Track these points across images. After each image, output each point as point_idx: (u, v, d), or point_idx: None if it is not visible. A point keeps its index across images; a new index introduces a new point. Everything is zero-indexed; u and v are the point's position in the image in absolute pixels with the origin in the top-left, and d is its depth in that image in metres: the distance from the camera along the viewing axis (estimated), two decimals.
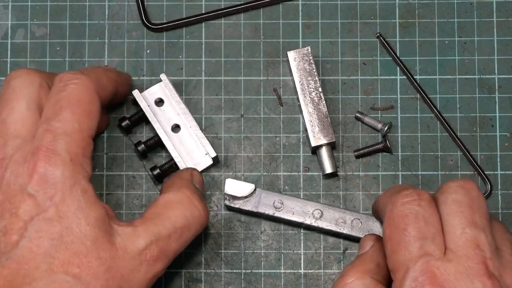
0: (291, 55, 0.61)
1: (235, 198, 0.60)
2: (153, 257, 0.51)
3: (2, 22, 0.64)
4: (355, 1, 0.64)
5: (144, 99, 0.60)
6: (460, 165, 0.62)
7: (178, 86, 0.63)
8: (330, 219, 0.59)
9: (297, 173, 0.62)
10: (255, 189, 0.60)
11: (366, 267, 0.53)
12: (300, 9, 0.64)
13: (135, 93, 0.60)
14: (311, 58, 0.61)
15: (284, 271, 0.61)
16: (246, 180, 0.62)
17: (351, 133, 0.63)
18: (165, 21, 0.64)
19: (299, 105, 0.61)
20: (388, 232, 0.50)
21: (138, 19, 0.64)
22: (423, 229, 0.49)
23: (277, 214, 0.60)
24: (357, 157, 0.62)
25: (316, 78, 0.61)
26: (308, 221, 0.59)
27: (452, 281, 0.47)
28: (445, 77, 0.63)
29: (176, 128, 0.61)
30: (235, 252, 0.61)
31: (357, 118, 0.63)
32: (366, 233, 0.59)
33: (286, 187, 0.62)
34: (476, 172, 0.62)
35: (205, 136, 0.60)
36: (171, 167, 0.60)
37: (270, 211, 0.60)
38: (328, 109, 0.62)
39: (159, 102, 0.61)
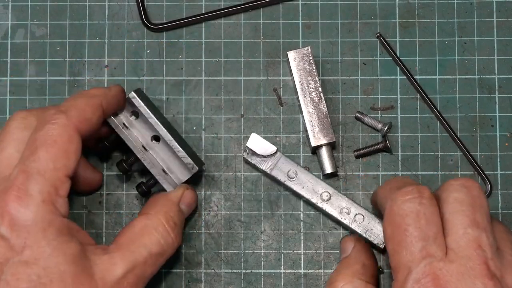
0: (291, 55, 0.61)
1: (254, 154, 0.60)
2: (130, 283, 0.51)
3: (2, 22, 0.64)
4: (355, 1, 0.64)
5: (118, 123, 0.58)
6: (460, 165, 0.62)
7: (178, 86, 0.63)
8: (336, 205, 0.60)
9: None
10: (276, 152, 0.60)
11: (352, 270, 0.54)
12: (300, 9, 0.64)
13: (110, 120, 0.58)
14: (311, 58, 0.61)
15: (284, 271, 0.61)
16: (246, 180, 0.62)
17: (351, 133, 0.63)
18: (165, 21, 0.64)
19: (299, 105, 0.61)
20: (389, 232, 0.50)
21: (138, 19, 0.64)
22: (424, 229, 0.49)
23: (288, 183, 0.60)
24: (357, 157, 0.62)
25: (316, 78, 0.61)
26: (314, 199, 0.60)
27: (454, 282, 0.47)
28: (445, 77, 0.63)
29: (156, 139, 0.59)
30: (235, 252, 0.61)
31: (357, 118, 0.63)
32: (365, 231, 0.59)
33: None
34: (476, 172, 0.62)
35: (205, 136, 0.61)
36: (154, 183, 0.59)
37: (282, 178, 0.60)
38: (328, 109, 0.62)
39: (134, 113, 0.59)
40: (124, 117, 0.59)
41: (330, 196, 0.60)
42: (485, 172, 0.62)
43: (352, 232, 0.60)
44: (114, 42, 0.64)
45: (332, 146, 0.61)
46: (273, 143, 0.62)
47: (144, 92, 0.62)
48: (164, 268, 0.61)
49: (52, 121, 0.51)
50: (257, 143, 0.61)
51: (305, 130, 0.61)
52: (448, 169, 0.62)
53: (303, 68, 0.61)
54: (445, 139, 0.62)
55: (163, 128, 0.58)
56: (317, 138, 0.60)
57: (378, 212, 0.58)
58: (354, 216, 0.59)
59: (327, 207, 0.60)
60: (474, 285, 0.47)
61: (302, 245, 0.61)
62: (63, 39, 0.64)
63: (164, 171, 0.58)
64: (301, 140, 0.63)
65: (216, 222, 0.62)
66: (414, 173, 0.62)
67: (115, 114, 0.58)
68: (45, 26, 0.64)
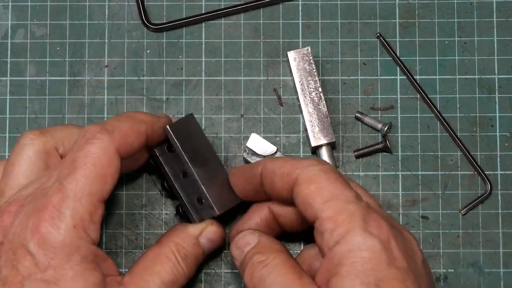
0: (291, 55, 0.61)
1: (254, 153, 0.60)
2: None
3: (2, 22, 0.64)
4: (355, 1, 0.64)
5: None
6: (460, 165, 0.62)
7: (178, 86, 0.63)
8: None
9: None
10: (275, 152, 0.60)
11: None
12: (300, 9, 0.64)
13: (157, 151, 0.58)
14: (311, 58, 0.61)
15: None
16: None
17: (351, 133, 0.63)
18: (165, 21, 0.64)
19: (299, 105, 0.61)
20: (314, 187, 0.50)
21: (138, 19, 0.64)
22: (347, 182, 0.51)
23: None
24: (357, 157, 0.62)
25: (316, 78, 0.61)
26: None
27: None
28: (445, 77, 0.63)
29: (185, 175, 0.58)
30: None
31: (357, 118, 0.63)
32: None
33: None
34: (476, 172, 0.62)
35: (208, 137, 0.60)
36: (186, 210, 0.58)
37: None
38: (328, 109, 0.62)
39: (170, 147, 0.58)
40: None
41: None
42: (485, 172, 0.62)
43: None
44: (114, 42, 0.64)
45: (332, 146, 0.61)
46: (273, 143, 0.62)
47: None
48: None
49: (94, 140, 0.51)
50: (257, 143, 0.61)
51: (305, 130, 0.61)
52: (448, 169, 0.62)
53: (303, 68, 0.61)
54: (445, 139, 0.62)
55: (192, 167, 0.56)
56: (317, 138, 0.60)
57: (253, 187, 0.56)
58: None
59: None
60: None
61: (302, 245, 0.61)
62: (63, 39, 0.64)
63: (195, 201, 0.58)
64: (301, 140, 0.63)
65: None
66: (414, 173, 0.62)
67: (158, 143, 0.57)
68: (45, 26, 0.64)
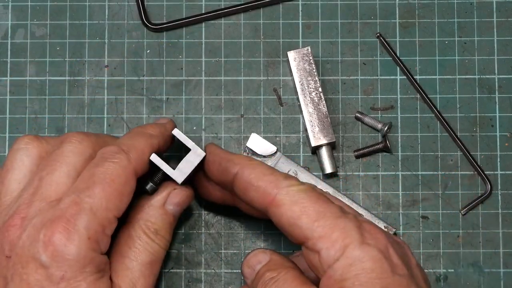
0: (291, 55, 0.61)
1: (254, 154, 0.60)
2: None
3: (2, 22, 0.64)
4: (355, 1, 0.64)
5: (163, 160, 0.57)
6: (460, 165, 0.62)
7: (178, 86, 0.63)
8: None
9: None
10: (276, 152, 0.60)
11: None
12: (300, 9, 0.64)
13: (153, 157, 0.56)
14: (311, 58, 0.61)
15: None
16: None
17: (351, 133, 0.63)
18: (165, 21, 0.64)
19: (299, 105, 0.61)
20: (298, 209, 0.50)
21: (138, 19, 0.64)
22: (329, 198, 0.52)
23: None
24: (357, 157, 0.62)
25: (316, 78, 0.61)
26: None
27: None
28: (445, 77, 0.63)
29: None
30: (235, 252, 0.61)
31: (357, 118, 0.63)
32: None
33: None
34: (476, 172, 0.62)
35: (205, 136, 0.60)
36: (163, 179, 0.56)
37: None
38: (328, 109, 0.62)
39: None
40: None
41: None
42: (485, 172, 0.62)
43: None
44: (114, 42, 0.64)
45: (332, 146, 0.61)
46: (273, 143, 0.62)
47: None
48: (164, 268, 0.61)
49: (114, 160, 0.51)
50: (257, 143, 0.61)
51: (305, 130, 0.61)
52: (448, 169, 0.62)
53: (303, 68, 0.61)
54: (445, 139, 0.62)
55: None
56: (317, 138, 0.60)
57: (218, 177, 0.55)
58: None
59: None
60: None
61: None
62: (63, 39, 0.64)
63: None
64: (301, 140, 0.63)
65: (216, 222, 0.62)
66: (414, 173, 0.62)
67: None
68: (45, 26, 0.64)
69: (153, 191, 0.56)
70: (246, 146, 0.61)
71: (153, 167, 0.55)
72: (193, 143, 0.55)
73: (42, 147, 0.53)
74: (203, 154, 0.55)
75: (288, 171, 0.60)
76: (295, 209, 0.49)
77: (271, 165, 0.60)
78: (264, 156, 0.61)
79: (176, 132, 0.56)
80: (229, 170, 0.53)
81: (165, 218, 0.55)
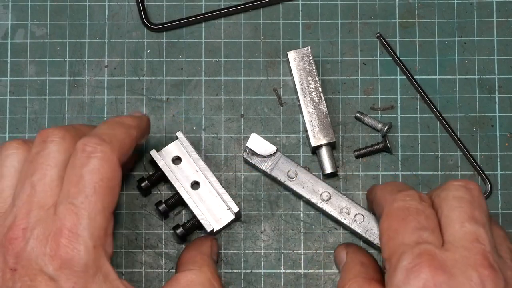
0: (291, 55, 0.61)
1: (254, 154, 0.60)
2: None
3: (2, 22, 0.64)
4: (355, 1, 0.64)
5: (162, 157, 0.60)
6: (460, 165, 0.62)
7: (178, 86, 0.63)
8: (336, 205, 0.60)
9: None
10: (276, 152, 0.60)
11: (353, 272, 0.54)
12: (300, 9, 0.64)
13: (153, 153, 0.59)
14: (311, 58, 0.61)
15: (284, 271, 0.61)
16: (246, 180, 0.62)
17: (351, 133, 0.63)
18: (165, 21, 0.64)
19: (299, 105, 0.61)
20: (387, 224, 0.50)
21: (138, 19, 0.64)
22: (423, 222, 0.49)
23: (288, 183, 0.60)
24: (357, 157, 0.62)
25: (316, 78, 0.61)
26: (314, 199, 0.60)
27: (448, 266, 0.46)
28: (445, 77, 0.63)
29: (195, 185, 0.60)
30: (235, 252, 0.61)
31: (357, 118, 0.63)
32: (365, 231, 0.59)
33: None
34: (476, 172, 0.62)
35: (205, 136, 0.60)
36: (193, 225, 0.59)
37: (282, 178, 0.60)
38: (328, 109, 0.62)
39: (176, 160, 0.60)
40: (165, 161, 0.60)
41: (330, 196, 0.60)
42: (485, 172, 0.62)
43: (352, 232, 0.60)
44: (114, 42, 0.64)
45: (332, 146, 0.61)
46: (273, 143, 0.62)
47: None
48: (164, 268, 0.61)
49: (97, 154, 0.50)
50: (257, 143, 0.61)
51: (305, 130, 0.61)
52: (448, 169, 0.62)
53: (303, 68, 0.61)
54: (445, 139, 0.62)
55: (209, 170, 0.59)
56: (317, 138, 0.60)
57: (371, 210, 0.58)
58: (354, 216, 0.59)
59: (327, 207, 0.60)
60: (468, 272, 0.46)
61: (302, 245, 0.61)
62: (63, 39, 0.64)
63: (205, 214, 0.59)
64: (301, 140, 0.63)
65: None
66: (414, 173, 0.62)
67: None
68: (45, 26, 0.64)
69: (147, 189, 0.59)
70: (246, 146, 0.61)
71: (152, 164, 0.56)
72: (229, 197, 0.59)
73: (30, 151, 0.52)
74: (237, 209, 0.59)
75: (288, 171, 0.60)
76: (384, 225, 0.50)
77: (270, 165, 0.60)
78: (264, 156, 0.61)
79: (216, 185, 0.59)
80: (369, 197, 0.57)
81: (215, 266, 0.57)
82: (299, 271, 0.61)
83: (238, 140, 0.63)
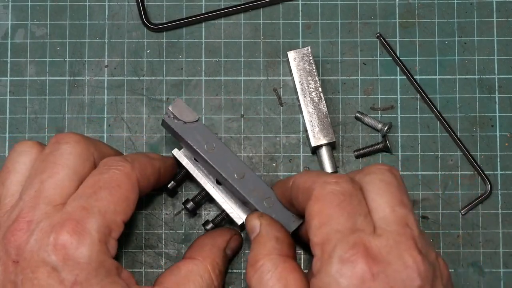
0: (291, 55, 0.61)
1: (175, 118, 0.58)
2: None
3: (2, 22, 0.64)
4: (355, 1, 0.64)
5: (185, 156, 0.59)
6: (460, 165, 0.62)
7: (178, 86, 0.63)
8: (246, 185, 0.57)
9: (297, 173, 0.62)
10: (197, 120, 0.58)
11: (267, 247, 0.52)
12: (300, 9, 0.64)
13: (175, 152, 0.59)
14: (311, 58, 0.61)
15: None
16: None
17: (351, 133, 0.63)
18: (165, 21, 0.64)
19: (299, 105, 0.61)
20: (318, 207, 0.49)
21: (138, 19, 0.64)
22: (356, 207, 0.48)
23: (203, 154, 0.57)
24: (357, 157, 0.62)
25: (316, 78, 0.61)
26: (225, 174, 0.57)
27: (383, 254, 0.46)
28: (445, 77, 0.63)
29: (218, 182, 0.60)
30: None
31: (357, 118, 0.63)
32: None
33: None
34: (476, 172, 0.62)
35: None
36: (223, 219, 0.59)
37: (198, 147, 0.57)
38: (328, 109, 0.62)
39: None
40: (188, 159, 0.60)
41: (245, 174, 0.57)
42: (485, 172, 0.62)
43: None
44: (114, 42, 0.64)
45: (332, 146, 0.61)
46: (273, 143, 0.62)
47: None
48: (164, 268, 0.61)
49: (119, 167, 0.51)
50: (181, 107, 0.58)
51: (305, 130, 0.61)
52: (448, 169, 0.62)
53: (303, 68, 0.61)
54: (445, 139, 0.62)
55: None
56: (317, 138, 0.60)
57: (288, 201, 0.55)
58: (265, 199, 0.56)
59: (238, 185, 0.57)
60: (403, 257, 0.46)
61: (303, 246, 0.61)
62: (63, 39, 0.64)
63: (234, 207, 0.59)
64: (301, 140, 0.63)
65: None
66: (414, 173, 0.62)
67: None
68: (45, 26, 0.64)
69: (174, 189, 0.60)
70: (168, 109, 0.58)
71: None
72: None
73: (43, 151, 0.53)
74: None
75: (206, 142, 0.57)
76: (315, 208, 0.49)
77: (188, 133, 0.57)
78: (184, 122, 0.58)
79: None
80: (286, 185, 0.54)
81: (225, 262, 0.56)
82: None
83: (238, 140, 0.63)
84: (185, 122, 0.57)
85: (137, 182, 0.52)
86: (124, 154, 0.61)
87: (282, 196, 0.56)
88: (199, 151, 0.57)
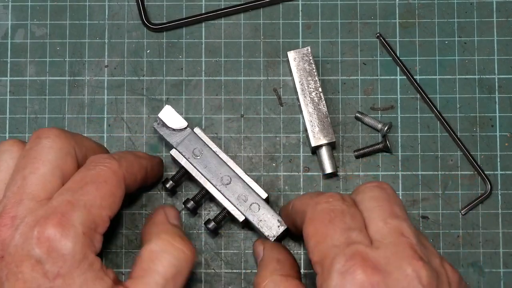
0: (291, 55, 0.61)
1: (164, 125, 0.59)
2: None
3: (2, 22, 0.64)
4: (355, 1, 0.64)
5: (182, 154, 0.59)
6: (460, 165, 0.62)
7: (178, 86, 0.63)
8: (234, 191, 0.59)
9: (297, 173, 0.62)
10: (186, 127, 0.59)
11: (269, 268, 0.54)
12: (300, 9, 0.64)
13: (173, 152, 0.59)
14: (311, 58, 0.61)
15: None
16: None
17: (351, 133, 0.63)
18: (165, 21, 0.64)
19: (299, 105, 0.61)
20: (312, 228, 0.49)
21: (138, 19, 0.64)
22: (349, 222, 0.49)
23: (191, 160, 0.59)
24: (357, 157, 0.62)
25: (316, 78, 0.61)
26: (214, 181, 0.59)
27: (382, 265, 0.46)
28: (445, 77, 0.63)
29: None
30: (235, 252, 0.61)
31: (357, 118, 0.63)
32: (258, 222, 0.58)
33: (286, 187, 0.62)
34: (476, 172, 0.62)
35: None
36: (224, 217, 0.59)
37: (186, 154, 0.59)
38: (328, 109, 0.62)
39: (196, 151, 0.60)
40: (187, 156, 0.60)
41: (231, 181, 0.59)
42: (485, 172, 0.62)
43: (246, 219, 0.59)
44: (114, 42, 0.64)
45: (332, 146, 0.61)
46: (273, 143, 0.62)
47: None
48: None
49: (106, 164, 0.51)
50: (170, 115, 0.59)
51: (305, 130, 0.61)
52: (448, 169, 0.62)
53: (303, 68, 0.61)
54: (445, 139, 0.62)
55: (232, 160, 0.60)
56: (317, 138, 0.60)
57: (291, 225, 0.57)
58: (250, 205, 0.58)
59: (225, 191, 0.59)
60: (402, 266, 0.46)
61: (301, 245, 0.61)
62: (63, 39, 0.64)
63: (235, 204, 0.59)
64: (301, 140, 0.63)
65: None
66: (414, 173, 0.62)
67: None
68: (45, 26, 0.64)
69: (173, 189, 0.60)
70: (158, 117, 0.59)
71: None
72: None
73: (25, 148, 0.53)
74: (265, 195, 0.59)
75: (194, 149, 0.59)
76: (310, 229, 0.49)
77: (178, 140, 0.59)
78: (174, 130, 0.59)
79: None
80: (287, 210, 0.56)
81: (178, 230, 0.55)
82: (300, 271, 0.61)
83: (238, 140, 0.63)
84: (174, 130, 0.59)
85: (123, 179, 0.52)
86: None
87: (286, 221, 0.58)
88: (185, 157, 0.59)
